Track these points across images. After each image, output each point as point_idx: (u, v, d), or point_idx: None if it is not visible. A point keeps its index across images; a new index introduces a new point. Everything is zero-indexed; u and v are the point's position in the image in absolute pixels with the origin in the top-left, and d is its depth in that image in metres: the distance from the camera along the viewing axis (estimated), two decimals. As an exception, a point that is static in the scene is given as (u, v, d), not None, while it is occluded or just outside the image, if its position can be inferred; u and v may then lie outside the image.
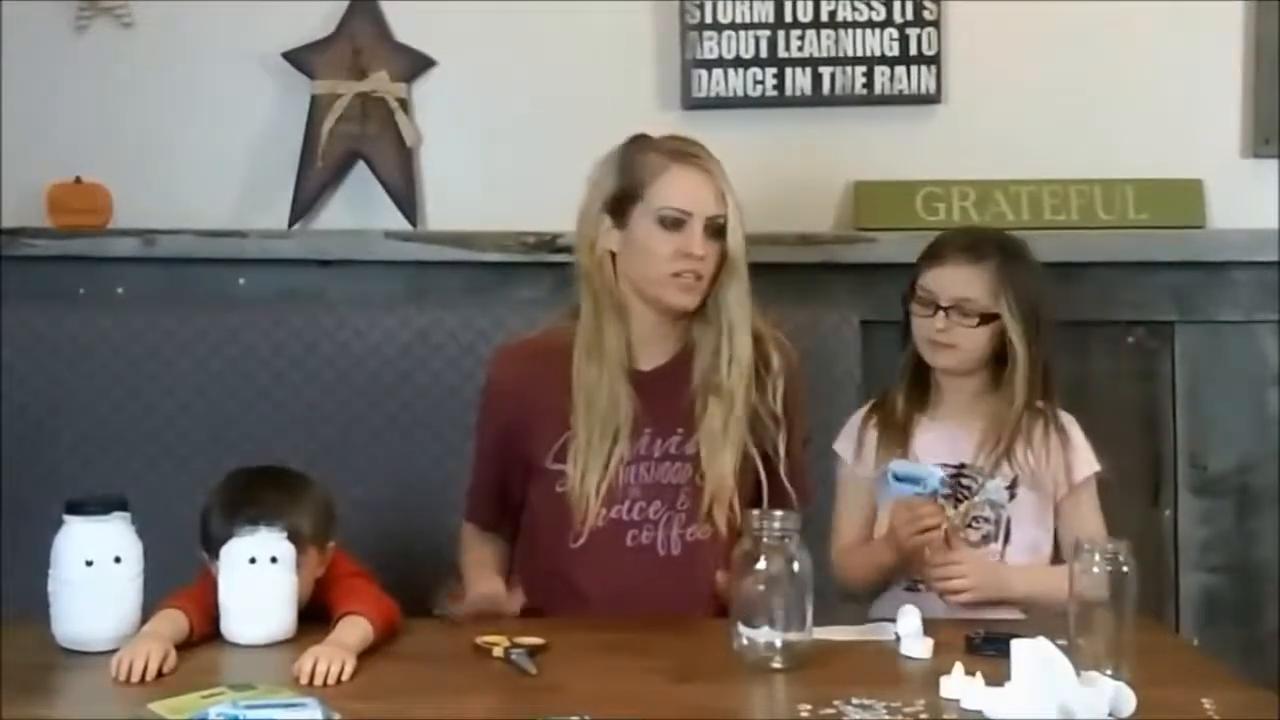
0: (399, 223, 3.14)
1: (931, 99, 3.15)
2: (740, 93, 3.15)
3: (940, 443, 2.52)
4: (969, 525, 2.49)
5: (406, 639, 2.22)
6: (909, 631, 2.15)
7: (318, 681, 1.99)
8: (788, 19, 3.15)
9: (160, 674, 2.03)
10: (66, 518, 2.18)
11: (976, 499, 2.49)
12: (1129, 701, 1.86)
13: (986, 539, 2.50)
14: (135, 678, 2.01)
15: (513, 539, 2.59)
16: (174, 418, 2.92)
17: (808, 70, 3.16)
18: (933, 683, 1.96)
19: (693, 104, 3.14)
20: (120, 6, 3.15)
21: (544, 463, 2.45)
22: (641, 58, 3.18)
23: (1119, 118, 3.16)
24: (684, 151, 2.45)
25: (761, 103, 3.15)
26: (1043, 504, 2.51)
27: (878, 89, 3.15)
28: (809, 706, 1.88)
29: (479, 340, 2.91)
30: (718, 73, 3.15)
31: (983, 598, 2.40)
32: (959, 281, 2.50)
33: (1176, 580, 3.16)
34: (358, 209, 3.18)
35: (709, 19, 3.14)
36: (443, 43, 3.17)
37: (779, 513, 2.10)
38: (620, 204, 2.44)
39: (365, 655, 2.10)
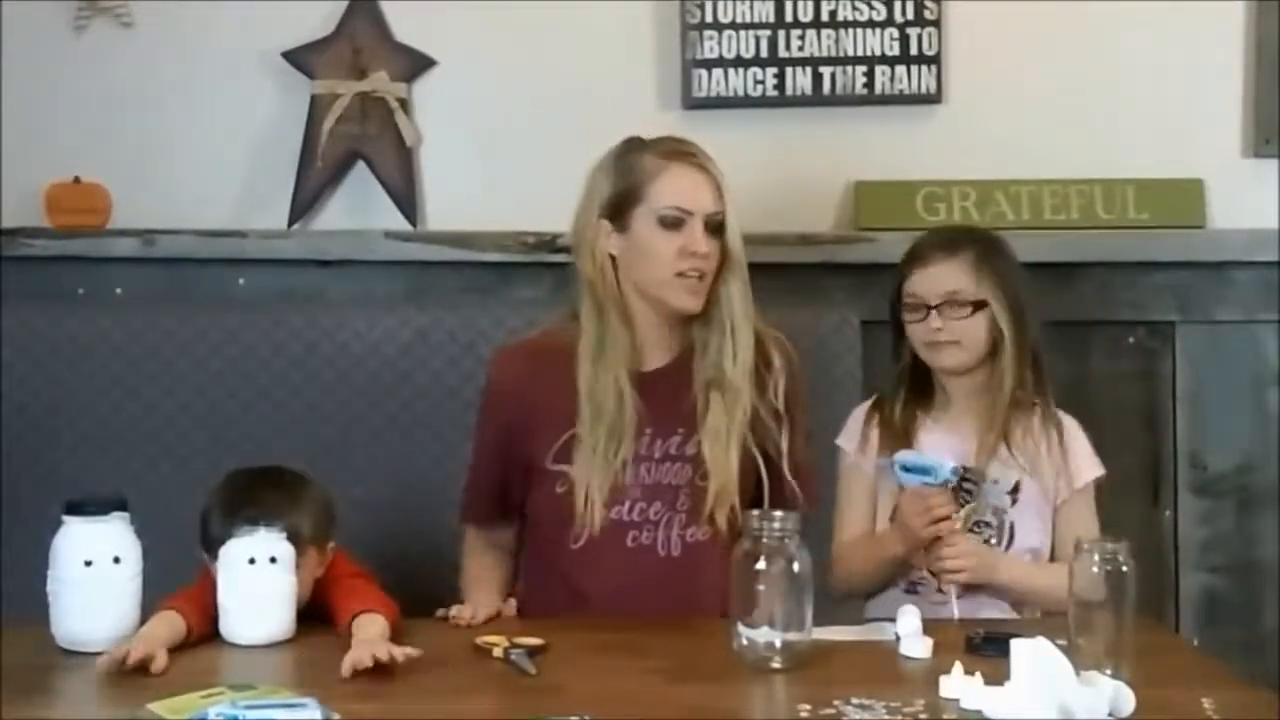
0: (399, 223, 3.14)
1: (932, 99, 3.15)
2: (741, 92, 3.15)
3: (941, 448, 2.51)
4: (971, 529, 2.49)
5: (406, 639, 2.22)
6: (908, 631, 2.15)
7: (382, 659, 1.99)
8: (788, 19, 3.15)
9: (147, 671, 2.02)
10: (66, 518, 2.18)
11: (977, 503, 2.49)
12: (1128, 701, 1.86)
13: (989, 544, 2.50)
14: (113, 665, 2.00)
15: (517, 538, 2.58)
16: (174, 418, 2.92)
17: (808, 70, 3.16)
18: (932, 682, 1.96)
19: (693, 104, 3.14)
20: (120, 6, 3.15)
21: (544, 463, 2.45)
22: (642, 57, 3.18)
23: (1120, 118, 3.16)
24: (679, 150, 2.45)
25: (762, 102, 3.15)
26: (1044, 507, 2.51)
27: (878, 89, 3.15)
28: (808, 707, 1.88)
29: (479, 340, 2.91)
30: (718, 72, 3.15)
31: (973, 579, 2.41)
32: (942, 277, 2.51)
33: (1176, 580, 3.16)
34: (358, 209, 3.18)
35: (709, 18, 3.14)
36: (443, 43, 3.17)
37: (779, 513, 2.10)
38: (619, 208, 2.44)
39: (364, 655, 2.11)
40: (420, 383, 2.94)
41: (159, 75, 3.18)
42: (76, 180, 3.12)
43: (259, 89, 3.18)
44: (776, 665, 2.05)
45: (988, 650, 2.07)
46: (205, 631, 2.19)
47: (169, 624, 2.15)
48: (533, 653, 2.11)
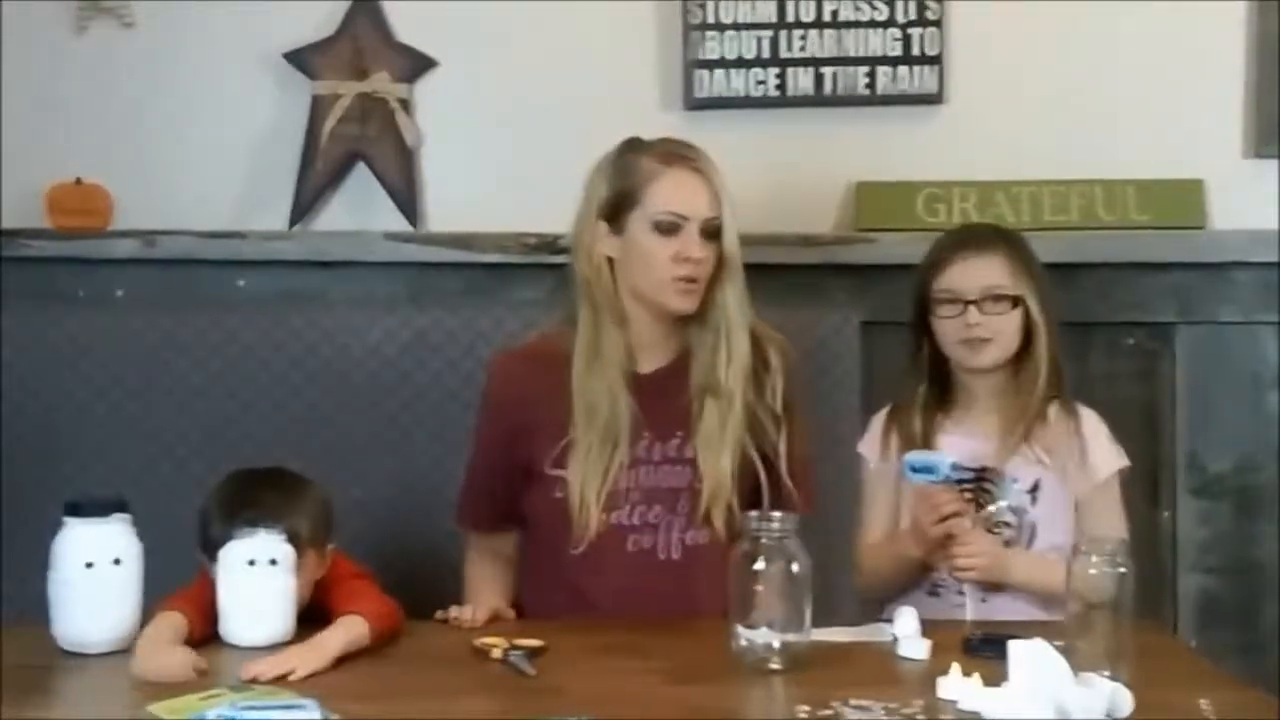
0: (399, 224, 3.14)
1: (934, 99, 3.15)
2: (742, 93, 3.15)
3: (961, 447, 2.51)
4: (992, 530, 2.48)
5: (406, 640, 2.22)
6: (906, 632, 2.15)
7: (266, 677, 1.99)
8: (790, 19, 3.15)
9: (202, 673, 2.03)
10: (66, 519, 2.18)
11: (998, 504, 2.49)
12: (1126, 702, 1.86)
13: (1009, 545, 2.50)
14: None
15: (518, 548, 2.58)
16: (174, 419, 2.92)
17: (810, 70, 3.16)
18: (930, 684, 1.96)
19: (695, 104, 3.14)
20: (120, 6, 3.16)
21: (544, 468, 2.44)
22: (643, 58, 3.18)
23: (1120, 118, 3.16)
24: (677, 154, 2.44)
25: (763, 103, 3.15)
26: (1066, 504, 2.51)
27: (880, 89, 3.15)
28: (807, 707, 1.88)
29: (479, 341, 2.90)
30: (719, 73, 3.15)
31: (985, 577, 2.41)
32: (982, 271, 2.51)
33: (1175, 581, 3.16)
34: (358, 210, 3.19)
35: (711, 19, 3.14)
36: (444, 43, 3.17)
37: (777, 514, 2.10)
38: (616, 210, 2.43)
39: (364, 656, 2.11)
40: (420, 384, 2.93)
41: (160, 76, 3.19)
42: (77, 181, 3.13)
43: (260, 89, 3.19)
44: (775, 666, 2.05)
45: (985, 651, 2.07)
46: (205, 633, 2.19)
47: (173, 625, 2.14)
48: (532, 654, 2.11)
